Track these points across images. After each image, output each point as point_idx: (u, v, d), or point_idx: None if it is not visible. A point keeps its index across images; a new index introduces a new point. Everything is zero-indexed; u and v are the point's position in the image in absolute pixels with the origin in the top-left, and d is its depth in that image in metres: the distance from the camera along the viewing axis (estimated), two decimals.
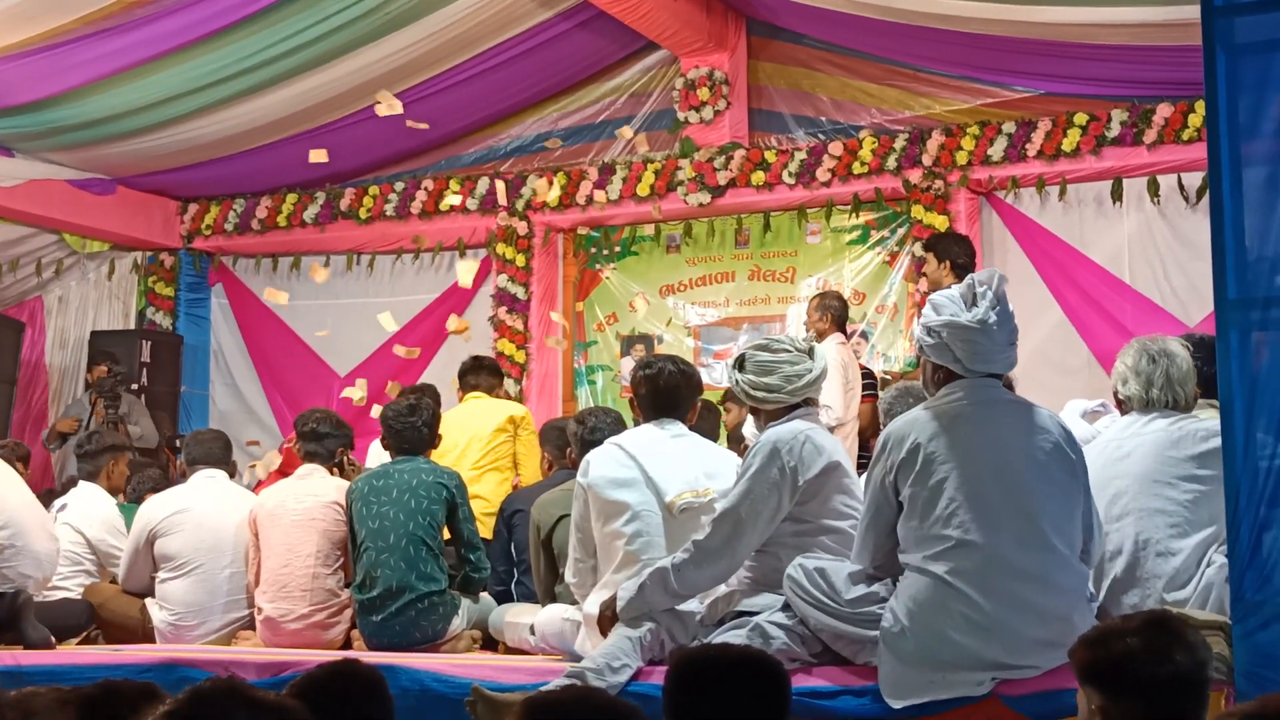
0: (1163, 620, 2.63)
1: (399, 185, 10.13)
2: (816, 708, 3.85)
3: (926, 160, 8.67)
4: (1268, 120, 3.49)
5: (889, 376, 7.92)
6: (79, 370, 10.46)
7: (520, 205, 9.72)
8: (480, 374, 7.28)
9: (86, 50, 8.26)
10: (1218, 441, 3.60)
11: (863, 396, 7.56)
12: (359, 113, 9.37)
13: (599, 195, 9.44)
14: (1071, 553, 3.79)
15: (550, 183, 9.42)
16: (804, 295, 8.99)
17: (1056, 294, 8.47)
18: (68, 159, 9.77)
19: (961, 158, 8.59)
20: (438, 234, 10.00)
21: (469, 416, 6.99)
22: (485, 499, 6.52)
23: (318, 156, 8.46)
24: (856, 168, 8.86)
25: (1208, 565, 3.95)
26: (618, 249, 9.79)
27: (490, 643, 5.51)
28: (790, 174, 9.00)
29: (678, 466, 4.53)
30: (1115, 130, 8.21)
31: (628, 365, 9.36)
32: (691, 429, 4.76)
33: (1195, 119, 7.90)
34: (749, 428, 5.72)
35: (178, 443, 9.12)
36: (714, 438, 5.97)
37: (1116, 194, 8.31)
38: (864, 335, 8.97)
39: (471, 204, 9.87)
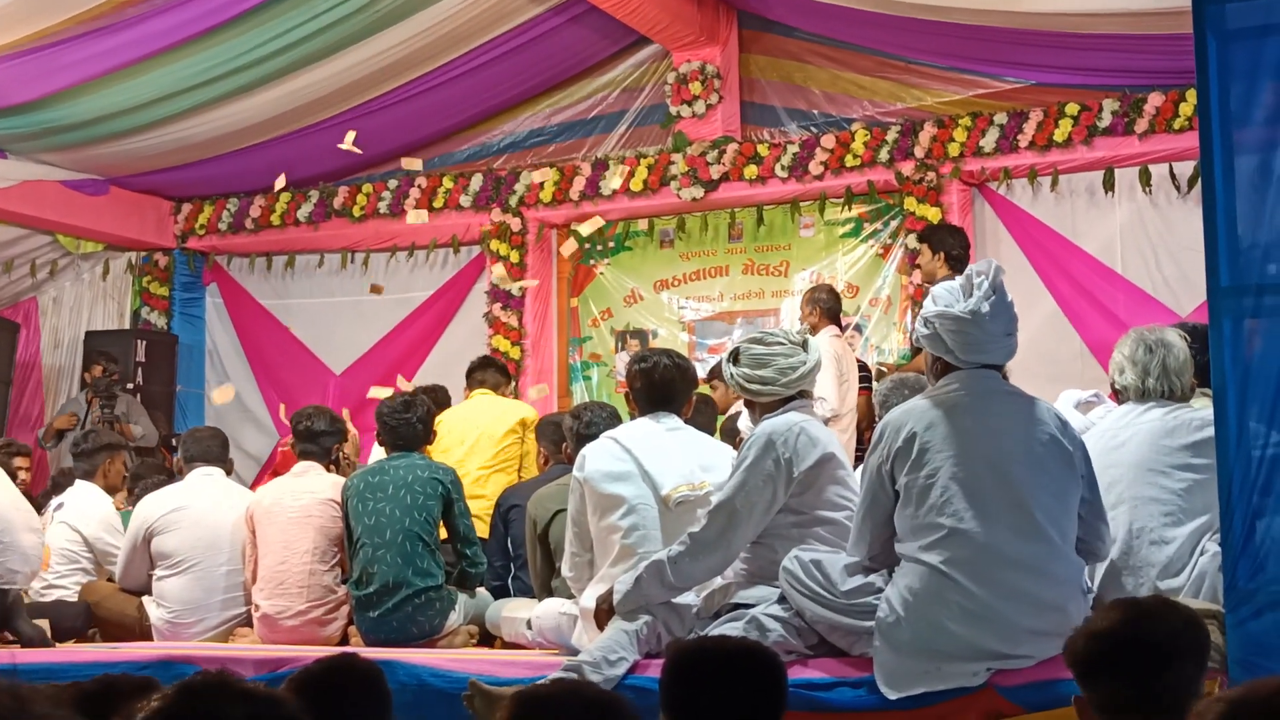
0: (1131, 601, 2.61)
1: (392, 183, 10.11)
2: (813, 699, 3.86)
3: (919, 152, 8.67)
4: (1259, 107, 3.49)
5: (884, 368, 7.93)
6: (74, 370, 10.45)
7: (514, 201, 9.72)
8: (488, 371, 7.30)
9: (78, 50, 8.25)
10: (1212, 430, 3.61)
11: (859, 389, 7.57)
12: (351, 110, 9.36)
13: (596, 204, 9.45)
14: (1065, 544, 3.80)
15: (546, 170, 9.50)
16: (798, 289, 9.00)
17: (1049, 284, 8.47)
18: (61, 160, 9.76)
19: (953, 149, 8.59)
20: (431, 231, 9.98)
21: (479, 413, 6.97)
22: (490, 499, 6.43)
23: (348, 143, 8.23)
24: (849, 160, 8.86)
25: (1201, 553, 3.96)
26: (611, 244, 9.79)
27: (487, 637, 5.52)
28: (783, 167, 8.99)
29: (673, 460, 4.53)
30: (1107, 120, 8.21)
31: (623, 360, 9.36)
32: (687, 422, 4.77)
33: (1186, 108, 7.91)
34: (744, 421, 5.73)
35: (174, 442, 9.12)
36: (710, 431, 5.98)
37: (1108, 184, 8.31)
38: (858, 328, 8.97)
39: (465, 200, 9.86)
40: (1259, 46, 3.50)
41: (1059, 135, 8.33)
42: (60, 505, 6.37)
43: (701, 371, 7.60)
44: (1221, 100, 3.47)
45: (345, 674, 3.00)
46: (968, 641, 3.70)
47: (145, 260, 10.77)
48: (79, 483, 6.51)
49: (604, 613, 4.34)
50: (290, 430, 6.16)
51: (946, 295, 3.93)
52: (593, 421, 5.28)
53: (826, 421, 5.86)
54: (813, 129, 9.14)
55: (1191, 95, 7.69)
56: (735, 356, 4.43)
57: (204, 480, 6.12)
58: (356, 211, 10.13)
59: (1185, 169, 7.98)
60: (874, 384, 7.30)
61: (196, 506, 5.96)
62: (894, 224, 8.95)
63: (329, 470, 5.99)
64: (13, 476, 7.55)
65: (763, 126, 9.36)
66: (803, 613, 4.05)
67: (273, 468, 9.53)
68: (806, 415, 4.34)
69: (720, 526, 4.18)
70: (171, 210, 10.75)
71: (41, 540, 5.80)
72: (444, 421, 6.75)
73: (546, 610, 5.03)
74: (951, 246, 7.32)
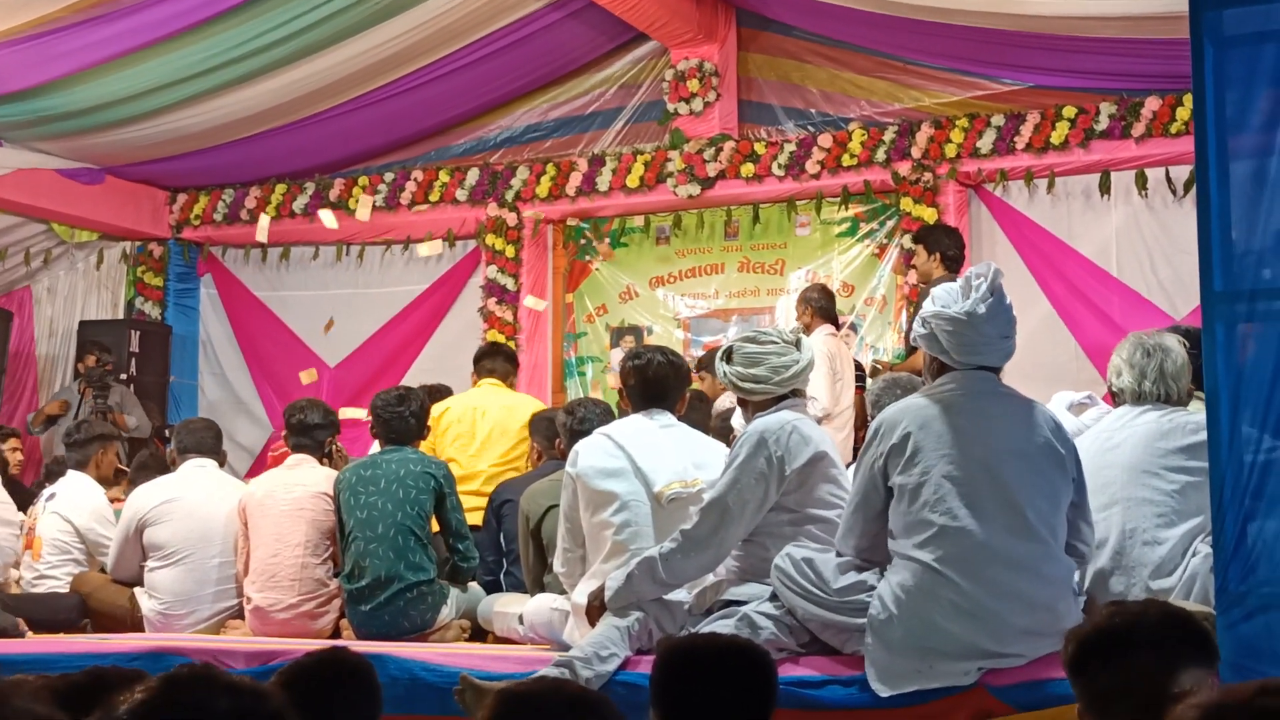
0: (1120, 601, 2.60)
1: (388, 176, 10.10)
2: (804, 697, 3.87)
3: (915, 153, 8.67)
4: (1255, 113, 3.49)
5: (879, 366, 7.94)
6: (68, 360, 10.43)
7: (510, 196, 9.71)
8: (497, 359, 7.07)
9: (75, 39, 8.22)
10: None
11: (856, 388, 7.58)
12: (348, 103, 9.36)
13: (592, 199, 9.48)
14: (1057, 544, 3.82)
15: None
16: (793, 287, 9.00)
17: (1044, 287, 8.48)
18: (56, 148, 9.73)
19: (950, 150, 8.60)
20: (427, 225, 9.97)
21: (493, 407, 6.74)
22: None
23: (329, 221, 9.29)
24: (845, 160, 8.86)
25: (1193, 555, 3.98)
26: (607, 240, 9.78)
27: (479, 632, 5.52)
28: (780, 166, 9.00)
29: (666, 457, 4.53)
30: (1103, 123, 8.22)
31: (617, 356, 9.36)
32: (680, 419, 4.77)
33: (1183, 112, 7.92)
34: (737, 418, 5.73)
35: (167, 432, 9.11)
36: (703, 428, 5.96)
37: (1104, 187, 8.32)
38: (853, 327, 8.98)
39: (461, 195, 9.85)
40: (1255, 53, 3.50)
41: (1056, 137, 8.34)
42: (52, 495, 6.36)
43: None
44: (1217, 105, 3.48)
45: (336, 667, 3.00)
46: (960, 639, 3.71)
47: (140, 250, 10.75)
48: (71, 473, 6.50)
49: (595, 609, 4.35)
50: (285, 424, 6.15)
51: (945, 296, 3.94)
52: (586, 417, 5.28)
53: (819, 420, 5.86)
54: (810, 128, 9.14)
55: (1188, 100, 7.70)
56: (729, 355, 4.44)
57: (197, 472, 6.11)
58: (352, 204, 10.11)
59: (1181, 173, 8.00)
60: (867, 382, 7.31)
61: (189, 498, 5.95)
62: (890, 224, 8.95)
63: (322, 463, 5.99)
64: (3, 462, 7.57)
65: (760, 125, 9.36)
66: (794, 610, 4.05)
67: (264, 468, 9.52)
68: (799, 414, 4.35)
69: (712, 524, 4.18)
70: (167, 200, 10.72)
71: (17, 534, 5.79)
72: (450, 409, 6.69)
73: (538, 605, 5.03)
74: (947, 247, 7.33)
